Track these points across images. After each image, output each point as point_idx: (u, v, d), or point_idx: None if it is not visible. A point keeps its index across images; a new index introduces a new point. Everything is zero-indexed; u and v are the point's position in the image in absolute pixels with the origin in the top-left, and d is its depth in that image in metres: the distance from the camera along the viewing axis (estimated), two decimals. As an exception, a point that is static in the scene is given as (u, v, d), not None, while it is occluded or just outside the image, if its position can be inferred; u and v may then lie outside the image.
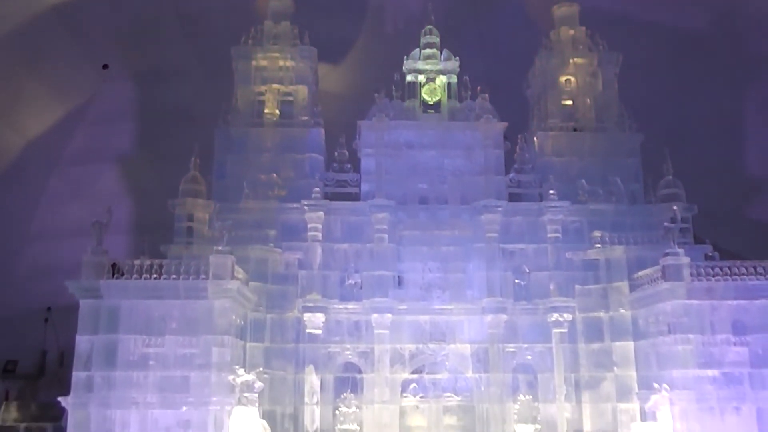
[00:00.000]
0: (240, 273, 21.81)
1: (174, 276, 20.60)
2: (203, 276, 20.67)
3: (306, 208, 24.88)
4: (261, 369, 22.60)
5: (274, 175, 26.03)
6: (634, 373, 23.84)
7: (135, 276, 20.55)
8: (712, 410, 20.37)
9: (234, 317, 21.24)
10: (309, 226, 25.00)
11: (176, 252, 23.96)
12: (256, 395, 21.17)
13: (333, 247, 25.33)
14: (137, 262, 20.84)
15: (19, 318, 30.15)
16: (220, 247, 21.17)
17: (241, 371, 21.04)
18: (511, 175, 26.67)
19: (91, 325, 20.17)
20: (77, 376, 19.81)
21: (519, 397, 24.77)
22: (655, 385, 21.29)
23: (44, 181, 34.33)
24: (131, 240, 30.21)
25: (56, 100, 34.49)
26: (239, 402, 20.61)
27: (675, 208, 23.52)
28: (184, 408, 19.67)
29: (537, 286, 25.09)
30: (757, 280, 21.33)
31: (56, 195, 34.24)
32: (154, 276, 20.57)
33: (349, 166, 26.65)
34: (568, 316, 24.43)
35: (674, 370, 20.92)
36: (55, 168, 34.87)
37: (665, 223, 22.76)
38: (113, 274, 20.51)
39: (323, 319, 24.18)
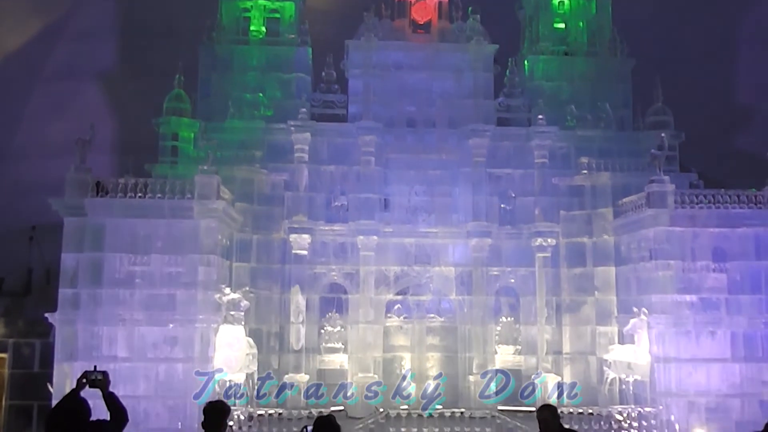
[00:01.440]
0: (226, 193, 21.72)
1: (159, 195, 20.43)
2: (188, 195, 20.54)
3: (292, 128, 24.58)
4: (247, 288, 22.80)
5: (260, 94, 25.65)
6: (614, 298, 24.33)
7: (119, 194, 20.35)
8: (689, 334, 20.89)
9: (220, 237, 21.26)
10: (295, 147, 24.74)
11: (161, 171, 23.77)
12: (243, 314, 21.43)
13: (319, 168, 25.20)
14: (121, 180, 20.61)
15: (3, 236, 29.95)
16: (205, 167, 21.00)
17: (227, 290, 21.22)
18: (500, 99, 26.38)
19: (76, 243, 20.10)
20: (63, 293, 19.88)
21: (501, 319, 25.31)
22: (634, 309, 21.75)
23: (24, 97, 33.56)
24: (115, 159, 29.83)
25: (34, 13, 33.36)
26: (225, 320, 20.87)
27: (663, 135, 23.42)
28: (171, 325, 19.89)
29: (522, 211, 25.23)
30: (740, 208, 21.51)
31: (37, 112, 33.54)
32: (139, 195, 20.39)
33: (336, 86, 26.19)
34: (551, 241, 24.67)
35: (654, 294, 21.33)
36: (35, 84, 34.02)
37: (652, 150, 22.72)
38: (97, 193, 20.33)
39: (309, 241, 24.28)
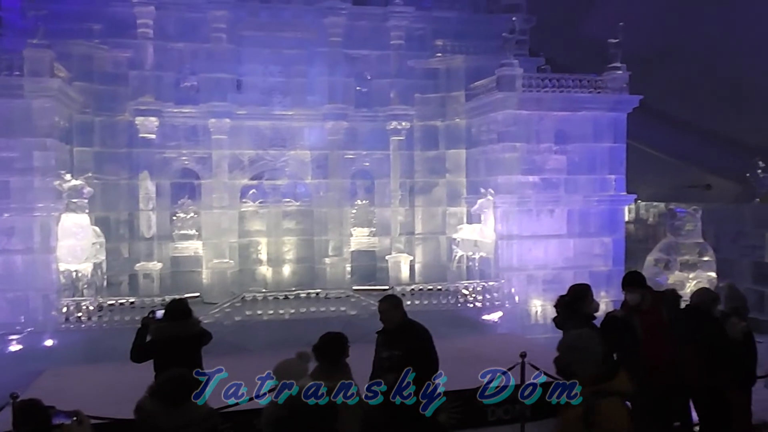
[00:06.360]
0: (61, 71, 19.98)
1: (-17, 72, 18.51)
2: (17, 72, 18.75)
3: (134, 0, 22.67)
4: (90, 174, 21.58)
5: (96, -40, 23.31)
6: (464, 179, 25.26)
7: (-65, 71, 18.24)
8: (530, 212, 22.22)
9: (57, 119, 19.73)
10: (138, 21, 22.91)
11: (-17, 45, 21.38)
12: (86, 201, 20.33)
13: (167, 45, 23.59)
14: (-64, 55, 18.44)
15: None
16: (35, 41, 19.09)
17: (67, 176, 19.95)
18: (357, -25, 25.53)
19: None
20: None
21: (356, 202, 25.68)
22: (482, 190, 22.74)
23: None
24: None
25: None
26: (68, 208, 19.76)
27: (514, 19, 23.81)
28: (6, 215, 18.60)
29: (378, 93, 25.12)
30: (581, 93, 22.57)
31: None
32: (-41, 72, 18.37)
33: (184, -46, 24.20)
34: (406, 124, 24.91)
35: (500, 176, 22.33)
36: None
37: (504, 34, 23.14)
38: None
39: (157, 124, 23.03)
